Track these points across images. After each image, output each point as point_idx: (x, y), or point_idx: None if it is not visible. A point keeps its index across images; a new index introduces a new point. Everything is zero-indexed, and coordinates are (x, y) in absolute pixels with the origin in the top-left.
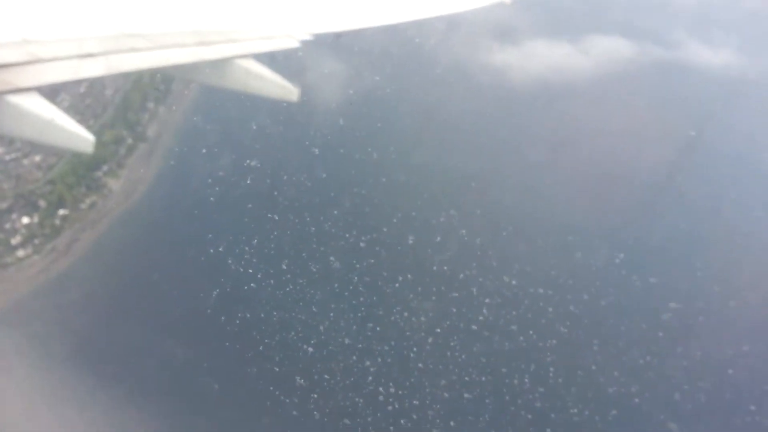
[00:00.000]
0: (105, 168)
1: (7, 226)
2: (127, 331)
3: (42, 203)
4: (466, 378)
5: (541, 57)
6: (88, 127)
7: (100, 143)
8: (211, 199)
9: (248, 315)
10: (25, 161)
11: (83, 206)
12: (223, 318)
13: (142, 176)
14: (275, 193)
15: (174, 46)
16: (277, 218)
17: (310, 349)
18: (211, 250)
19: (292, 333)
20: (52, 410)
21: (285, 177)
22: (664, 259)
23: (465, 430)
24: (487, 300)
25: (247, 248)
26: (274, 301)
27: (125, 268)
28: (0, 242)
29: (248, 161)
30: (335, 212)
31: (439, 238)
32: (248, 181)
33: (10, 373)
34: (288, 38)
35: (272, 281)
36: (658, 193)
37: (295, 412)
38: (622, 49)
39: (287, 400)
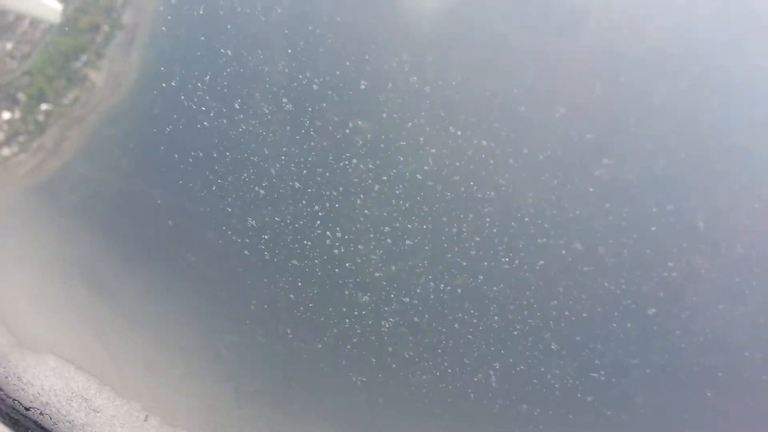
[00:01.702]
0: (84, 58)
1: None
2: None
3: (22, 97)
4: (409, 225)
5: None
6: (61, 11)
7: (75, 30)
8: (198, 84)
9: (201, 154)
10: None
11: (66, 101)
12: (176, 156)
13: (124, 68)
14: (228, 26)
15: None
16: (230, 53)
17: (262, 192)
18: (163, 84)
19: (245, 175)
20: (53, 314)
21: (239, 10)
22: (603, 116)
23: (404, 275)
24: (432, 150)
25: (199, 84)
26: (227, 141)
27: (120, 166)
28: None
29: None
30: (289, 51)
31: (390, 85)
32: (201, 12)
33: (12, 279)
34: None
35: (225, 120)
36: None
37: (246, 252)
38: None
39: (239, 240)
